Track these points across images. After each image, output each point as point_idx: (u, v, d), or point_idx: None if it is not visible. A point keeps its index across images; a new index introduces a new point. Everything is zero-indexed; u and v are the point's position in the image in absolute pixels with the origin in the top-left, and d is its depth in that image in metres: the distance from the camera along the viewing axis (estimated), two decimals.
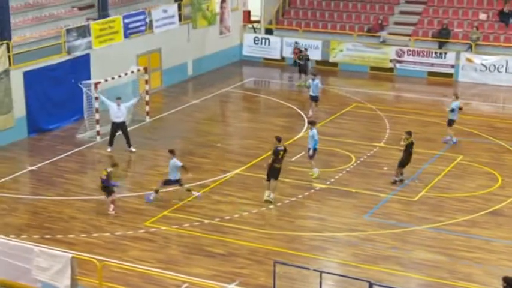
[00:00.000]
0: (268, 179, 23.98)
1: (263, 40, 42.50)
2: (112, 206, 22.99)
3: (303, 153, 27.16)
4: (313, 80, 32.57)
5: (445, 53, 39.27)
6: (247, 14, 44.03)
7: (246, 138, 30.16)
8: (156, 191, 23.64)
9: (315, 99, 32.46)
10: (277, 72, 40.95)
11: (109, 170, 23.07)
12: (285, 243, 21.08)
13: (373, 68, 40.50)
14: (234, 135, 31.13)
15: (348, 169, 26.45)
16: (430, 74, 39.49)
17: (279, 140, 24.06)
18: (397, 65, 40.09)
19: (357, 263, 19.97)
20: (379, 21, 42.13)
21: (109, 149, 28.08)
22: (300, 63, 37.25)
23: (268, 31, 44.10)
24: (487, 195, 24.37)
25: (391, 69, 40.13)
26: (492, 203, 23.76)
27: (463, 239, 21.40)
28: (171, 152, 23.63)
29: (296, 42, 40.33)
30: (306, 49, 38.43)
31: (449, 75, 39.10)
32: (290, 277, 18.37)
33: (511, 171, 26.29)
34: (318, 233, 21.75)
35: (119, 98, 28.10)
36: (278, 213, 23.09)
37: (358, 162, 27.18)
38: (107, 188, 22.95)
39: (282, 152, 23.90)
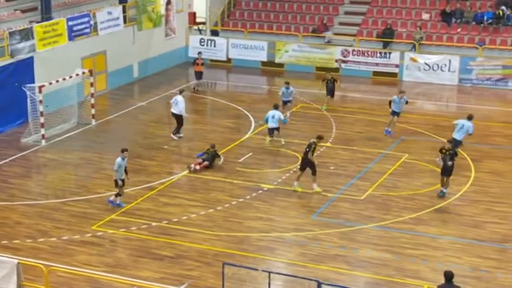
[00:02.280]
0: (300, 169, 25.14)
1: (209, 42, 42.46)
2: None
3: (250, 154, 27.20)
4: (287, 88, 31.96)
5: (390, 53, 39.72)
6: (192, 16, 43.95)
7: (193, 140, 30.07)
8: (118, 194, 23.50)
9: (289, 102, 32.38)
10: (223, 74, 40.95)
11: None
12: (233, 245, 21.08)
13: (318, 68, 40.71)
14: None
15: (295, 169, 26.55)
16: (375, 73, 39.89)
17: (318, 137, 25.20)
18: (343, 65, 40.39)
19: (305, 262, 20.06)
20: (324, 22, 42.41)
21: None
22: (329, 84, 34.21)
23: (214, 32, 44.07)
24: (432, 193, 24.67)
25: (336, 69, 40.39)
26: (437, 201, 24.07)
27: (410, 236, 21.65)
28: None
29: (199, 53, 38.30)
30: (329, 73, 35.47)
31: (394, 74, 39.56)
32: (239, 278, 18.35)
33: (455, 169, 26.63)
34: (266, 233, 21.80)
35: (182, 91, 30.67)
36: (226, 214, 23.07)
37: None
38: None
39: (308, 144, 24.76)
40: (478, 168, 26.74)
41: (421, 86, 38.31)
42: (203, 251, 20.62)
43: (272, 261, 20.26)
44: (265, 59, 41.52)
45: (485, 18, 40.23)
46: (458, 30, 40.45)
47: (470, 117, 27.33)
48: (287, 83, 32.29)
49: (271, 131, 28.63)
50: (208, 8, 44.20)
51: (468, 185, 25.37)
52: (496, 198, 24.28)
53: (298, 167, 25.26)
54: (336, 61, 40.43)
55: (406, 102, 30.37)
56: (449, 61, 38.53)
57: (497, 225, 22.35)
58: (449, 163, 23.95)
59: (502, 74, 37.84)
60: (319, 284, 16.30)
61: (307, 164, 24.67)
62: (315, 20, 43.23)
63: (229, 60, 42.14)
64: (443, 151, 24.13)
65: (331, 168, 26.80)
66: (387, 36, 40.65)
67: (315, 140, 24.78)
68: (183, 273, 19.44)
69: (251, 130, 30.59)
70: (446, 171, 24.09)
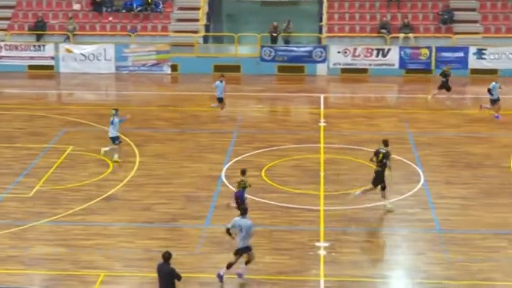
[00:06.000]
0: (373, 183, 22.44)
1: None
2: None
3: None
4: (221, 81, 30.76)
5: (44, 45, 39.24)
6: None
7: None
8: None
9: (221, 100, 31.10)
10: None
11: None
12: None
13: None
14: None
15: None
16: (31, 67, 39.20)
17: (384, 143, 22.39)
18: None
19: None
20: None
21: None
22: (443, 80, 32.57)
23: None
24: (100, 182, 24.90)
25: None
26: (106, 189, 24.32)
27: (82, 227, 21.68)
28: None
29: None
30: (449, 64, 34.50)
31: (50, 67, 39.12)
32: None
33: (119, 156, 27.07)
34: None
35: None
36: None
37: None
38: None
39: (381, 155, 22.14)
40: (142, 153, 27.39)
41: (79, 76, 38.32)
42: None
43: None
44: None
45: (134, 5, 41.20)
46: (110, 18, 40.99)
47: None
48: (222, 76, 31.17)
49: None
50: None
51: (134, 170, 25.92)
52: (162, 180, 25.12)
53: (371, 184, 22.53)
54: None
55: (500, 87, 30.82)
56: (105, 50, 38.94)
57: (165, 205, 23.15)
58: None
59: (156, 59, 39.04)
60: None
61: (380, 178, 22.25)
62: None
63: None
64: None
65: None
66: (39, 29, 40.08)
67: (387, 149, 22.22)
68: None
69: None
70: None
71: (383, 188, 22.33)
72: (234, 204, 20.61)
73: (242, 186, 20.73)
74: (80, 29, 40.44)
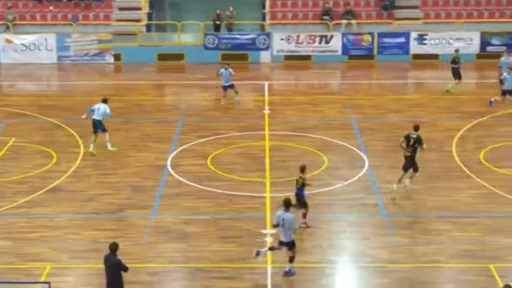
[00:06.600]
0: (404, 169, 22.56)
1: None
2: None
3: None
4: (226, 69, 30.92)
5: None
6: None
7: None
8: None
9: (230, 87, 31.28)
10: None
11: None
12: None
13: None
14: None
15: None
16: None
17: (415, 128, 22.50)
18: None
19: None
20: None
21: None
22: (454, 66, 32.40)
23: None
24: (45, 174, 24.62)
25: None
26: (50, 180, 24.07)
27: (26, 220, 21.44)
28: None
29: None
30: (457, 50, 33.24)
31: None
32: None
33: (63, 147, 26.79)
34: None
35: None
36: None
37: None
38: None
39: (412, 140, 22.20)
40: (86, 143, 27.11)
41: (20, 67, 37.77)
42: None
43: None
44: None
45: None
46: (51, 7, 40.41)
47: None
48: (227, 64, 31.40)
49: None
50: None
51: (78, 160, 25.67)
52: (107, 170, 24.95)
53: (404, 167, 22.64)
54: None
55: None
56: (46, 39, 38.42)
57: (111, 196, 23.02)
58: None
59: (99, 49, 38.65)
60: None
61: (411, 162, 22.47)
62: None
63: None
64: None
65: None
66: None
67: (418, 134, 22.39)
68: None
69: None
70: None
71: (415, 170, 22.54)
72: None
73: (300, 184, 20.70)
74: (20, 18, 39.80)
